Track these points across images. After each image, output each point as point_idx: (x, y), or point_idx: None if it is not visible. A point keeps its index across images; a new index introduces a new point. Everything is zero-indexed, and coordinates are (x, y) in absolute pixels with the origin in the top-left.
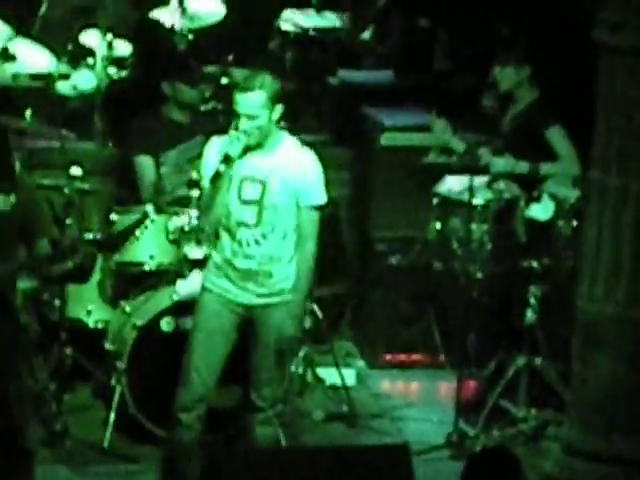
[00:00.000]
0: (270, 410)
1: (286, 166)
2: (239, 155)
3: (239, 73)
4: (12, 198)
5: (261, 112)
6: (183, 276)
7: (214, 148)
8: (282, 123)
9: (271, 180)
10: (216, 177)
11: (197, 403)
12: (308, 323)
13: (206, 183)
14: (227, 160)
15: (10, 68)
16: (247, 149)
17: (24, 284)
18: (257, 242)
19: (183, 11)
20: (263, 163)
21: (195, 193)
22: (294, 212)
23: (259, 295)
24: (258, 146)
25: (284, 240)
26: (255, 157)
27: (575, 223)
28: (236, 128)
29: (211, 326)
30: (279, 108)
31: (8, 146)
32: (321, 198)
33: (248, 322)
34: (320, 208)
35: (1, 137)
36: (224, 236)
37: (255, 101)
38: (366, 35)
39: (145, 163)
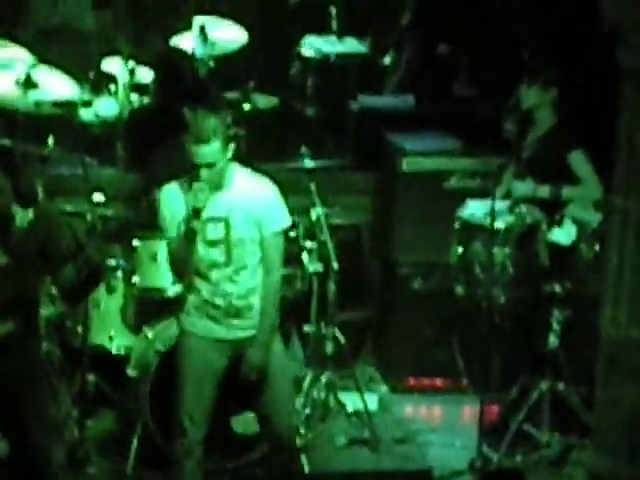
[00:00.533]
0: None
1: (244, 198)
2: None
3: (261, 99)
4: (30, 214)
5: (219, 158)
6: None
7: (171, 198)
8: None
9: (232, 216)
10: (189, 232)
11: (196, 447)
12: (330, 348)
13: (171, 235)
14: (197, 214)
15: (33, 96)
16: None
17: (47, 310)
18: (231, 279)
19: (204, 38)
20: (221, 201)
21: None
22: (259, 242)
23: (244, 329)
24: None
25: (257, 271)
26: (213, 197)
27: (597, 247)
28: (197, 179)
29: (199, 371)
30: (232, 146)
31: (29, 167)
32: (284, 221)
33: (238, 359)
34: (284, 232)
35: (14, 160)
36: (197, 279)
37: (212, 150)
38: (387, 60)
39: None
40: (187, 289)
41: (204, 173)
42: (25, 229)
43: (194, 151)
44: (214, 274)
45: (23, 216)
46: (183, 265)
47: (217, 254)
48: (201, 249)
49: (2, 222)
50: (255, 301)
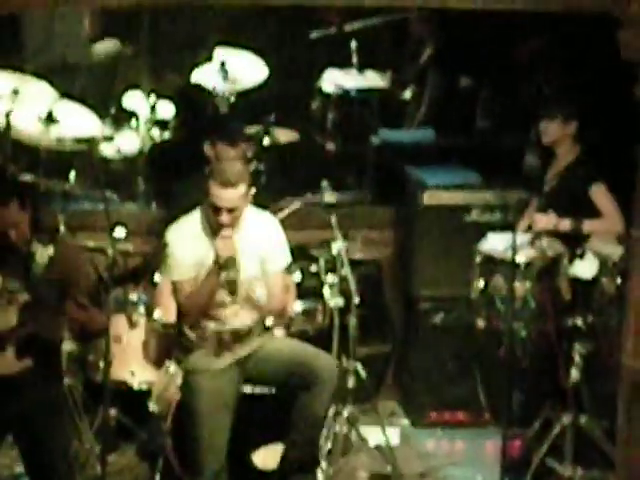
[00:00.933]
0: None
1: (251, 238)
2: None
3: (281, 134)
4: (50, 250)
5: (242, 202)
6: None
7: (184, 238)
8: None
9: (241, 256)
10: (231, 284)
11: (222, 472)
12: (351, 383)
13: (181, 277)
14: (233, 263)
15: (54, 131)
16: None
17: (69, 345)
18: (236, 314)
19: (225, 74)
20: (230, 242)
21: None
22: (262, 276)
23: (246, 347)
24: None
25: (259, 303)
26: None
27: (619, 280)
28: (217, 222)
29: (210, 406)
30: (252, 190)
31: (50, 203)
32: (286, 259)
33: (249, 376)
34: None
35: (35, 196)
36: (202, 318)
37: (237, 195)
38: (407, 94)
39: None
40: (188, 327)
41: (225, 217)
42: (45, 265)
43: (218, 194)
44: (221, 312)
45: (43, 252)
46: (199, 307)
47: (224, 293)
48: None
49: (19, 257)
50: (258, 327)
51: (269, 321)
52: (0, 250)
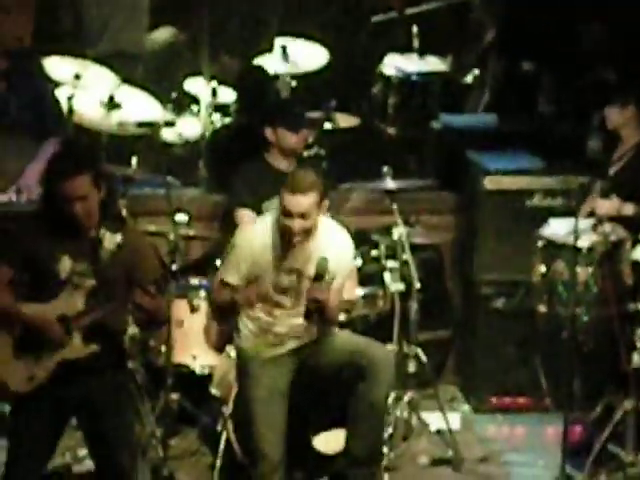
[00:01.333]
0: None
1: (321, 252)
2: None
3: (342, 119)
4: (118, 238)
5: (313, 212)
6: None
7: (250, 246)
8: None
9: (307, 268)
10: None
11: (278, 468)
12: (412, 368)
13: (232, 280)
14: (321, 278)
15: (116, 116)
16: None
17: (132, 330)
18: (292, 316)
19: (286, 58)
20: (300, 252)
21: None
22: None
23: (300, 339)
24: None
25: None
26: (289, 245)
27: None
28: (288, 229)
29: (265, 393)
30: (326, 204)
31: (115, 190)
32: (352, 269)
33: (303, 365)
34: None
35: (108, 181)
36: (259, 310)
37: (308, 203)
38: (469, 79)
39: (245, 219)
40: (244, 314)
41: (296, 224)
42: (113, 252)
43: (288, 199)
44: (277, 312)
45: (111, 239)
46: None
47: (285, 299)
48: (270, 292)
49: (88, 242)
50: (308, 331)
51: None
52: (70, 232)
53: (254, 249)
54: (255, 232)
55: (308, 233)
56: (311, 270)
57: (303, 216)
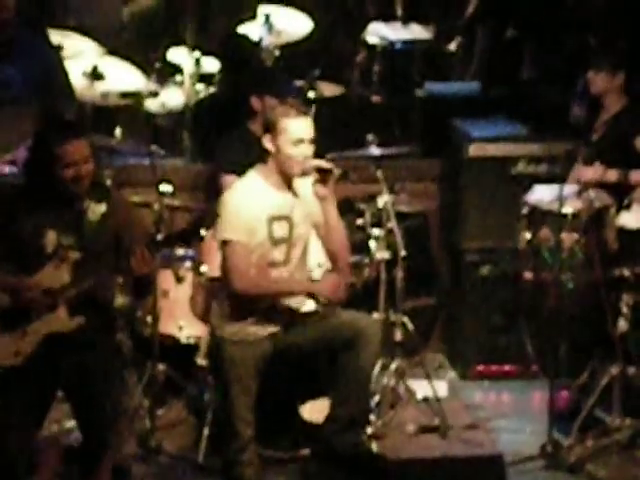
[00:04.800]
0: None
1: (304, 197)
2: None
3: (326, 87)
4: (102, 208)
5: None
6: None
7: (246, 200)
8: None
9: (295, 215)
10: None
11: (250, 442)
12: (399, 336)
13: (235, 236)
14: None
15: (99, 87)
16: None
17: (117, 301)
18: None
19: (270, 27)
20: (284, 199)
21: None
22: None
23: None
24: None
25: (302, 272)
26: (277, 194)
27: None
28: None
29: (241, 373)
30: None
31: (99, 160)
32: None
33: (280, 347)
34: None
35: (93, 152)
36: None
37: (311, 124)
38: (452, 46)
39: (231, 184)
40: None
41: (308, 149)
42: (98, 222)
43: (297, 125)
44: (272, 272)
45: (95, 209)
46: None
47: (278, 253)
48: (264, 247)
49: (73, 214)
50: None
51: (317, 274)
52: (55, 206)
53: (247, 201)
54: (243, 186)
55: None
56: (298, 216)
57: (312, 140)
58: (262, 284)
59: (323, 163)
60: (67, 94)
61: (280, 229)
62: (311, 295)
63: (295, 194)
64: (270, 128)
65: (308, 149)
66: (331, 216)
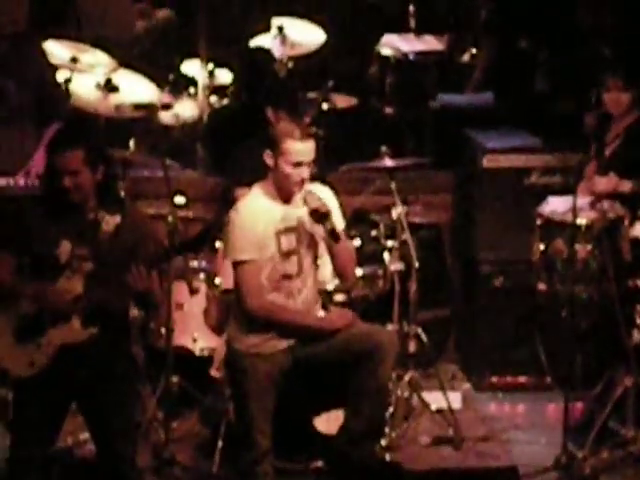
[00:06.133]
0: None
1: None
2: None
3: (339, 99)
4: (117, 219)
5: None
6: None
7: (248, 219)
8: None
9: (300, 225)
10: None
11: (268, 452)
12: (413, 347)
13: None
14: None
15: (113, 99)
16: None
17: (131, 313)
18: (300, 291)
19: (283, 39)
20: (288, 211)
21: None
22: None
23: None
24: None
25: (315, 282)
26: (280, 207)
27: None
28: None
29: (259, 387)
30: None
31: (113, 173)
32: (341, 225)
33: (297, 360)
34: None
35: (107, 164)
36: (269, 292)
37: (313, 149)
38: (466, 57)
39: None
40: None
41: (306, 172)
42: (112, 234)
43: (298, 148)
44: (283, 287)
45: (110, 221)
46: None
47: (289, 265)
48: (275, 261)
49: (87, 225)
50: (311, 312)
51: (331, 285)
52: (70, 216)
53: (253, 220)
54: (246, 205)
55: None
56: (303, 226)
57: (311, 162)
58: (275, 312)
59: (320, 206)
60: (58, 104)
61: (288, 242)
62: (324, 307)
63: (297, 205)
64: (273, 145)
65: (305, 172)
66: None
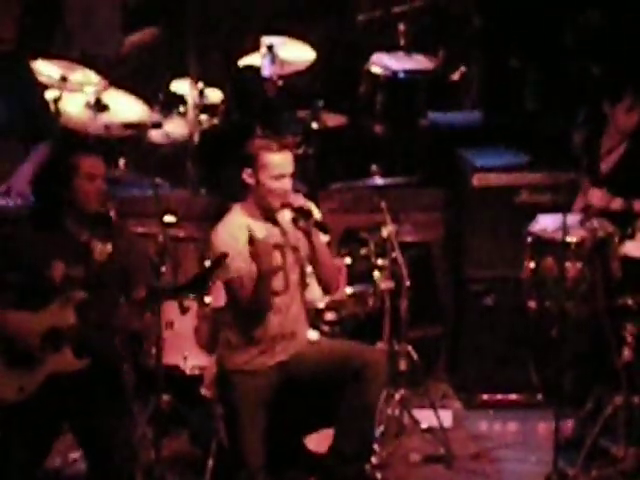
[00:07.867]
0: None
1: (289, 226)
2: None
3: (329, 118)
4: (108, 247)
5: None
6: None
7: (231, 236)
8: None
9: (284, 242)
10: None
11: (260, 472)
12: (403, 365)
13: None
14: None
15: (103, 118)
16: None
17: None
18: (287, 307)
19: (273, 58)
20: (271, 229)
21: None
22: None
23: (286, 352)
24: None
25: (301, 298)
26: (263, 226)
27: None
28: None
29: (249, 405)
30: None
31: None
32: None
33: (287, 377)
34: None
35: None
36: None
37: (292, 160)
38: (455, 76)
39: None
40: (228, 326)
41: (288, 184)
42: (104, 263)
43: (277, 161)
44: (273, 302)
45: (102, 251)
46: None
47: (276, 282)
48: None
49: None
50: (299, 329)
51: (321, 304)
52: (62, 236)
53: (235, 235)
54: (227, 222)
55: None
56: (288, 243)
57: (291, 174)
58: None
59: (304, 204)
60: (46, 123)
61: (275, 258)
62: (314, 325)
63: (280, 224)
64: (251, 162)
65: (288, 183)
66: (318, 245)
